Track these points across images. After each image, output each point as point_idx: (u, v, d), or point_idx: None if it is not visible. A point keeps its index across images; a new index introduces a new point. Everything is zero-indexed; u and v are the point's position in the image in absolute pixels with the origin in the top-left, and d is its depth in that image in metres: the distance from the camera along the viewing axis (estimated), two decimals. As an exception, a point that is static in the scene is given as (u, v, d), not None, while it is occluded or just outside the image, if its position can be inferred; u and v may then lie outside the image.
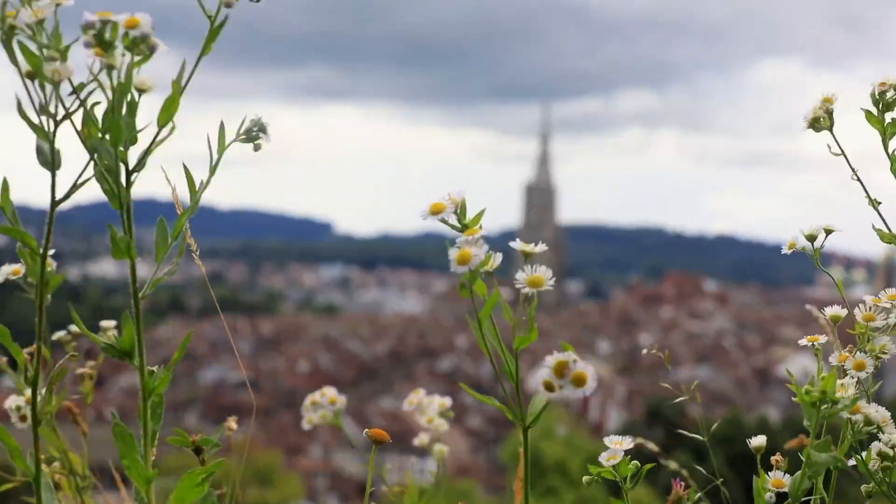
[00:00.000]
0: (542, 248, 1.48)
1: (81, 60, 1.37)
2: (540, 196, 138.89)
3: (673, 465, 2.28)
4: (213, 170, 1.54)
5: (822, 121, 1.80)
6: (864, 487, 1.67)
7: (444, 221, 1.50)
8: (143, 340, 1.48)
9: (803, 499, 1.64)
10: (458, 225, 1.50)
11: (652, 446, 2.38)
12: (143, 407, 1.51)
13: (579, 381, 1.35)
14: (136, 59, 1.37)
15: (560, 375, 1.35)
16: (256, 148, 1.57)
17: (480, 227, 1.48)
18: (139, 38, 1.36)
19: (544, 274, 1.46)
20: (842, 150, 1.80)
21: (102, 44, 1.35)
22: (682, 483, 1.69)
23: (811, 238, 1.80)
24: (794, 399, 1.58)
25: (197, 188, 1.54)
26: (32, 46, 1.35)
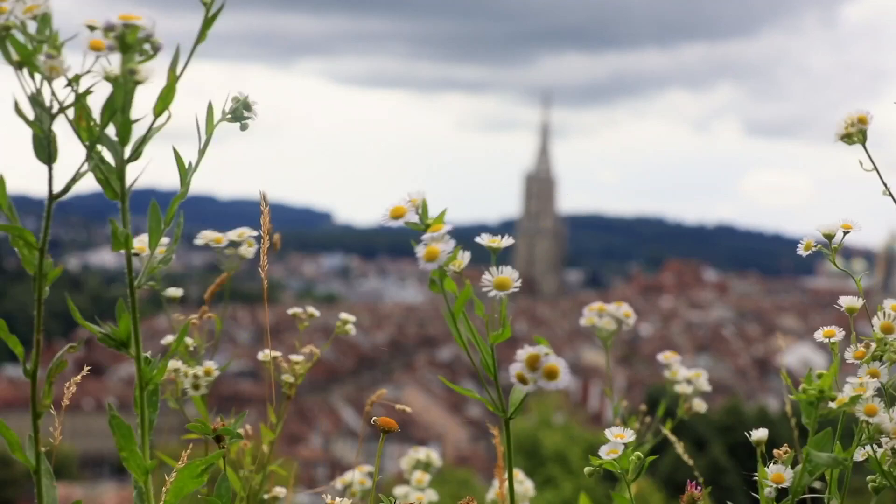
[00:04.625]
0: (508, 241, 1.48)
1: (68, 49, 1.35)
2: (540, 186, 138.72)
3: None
4: (201, 152, 1.52)
5: (854, 136, 1.74)
6: (869, 479, 1.65)
7: (409, 224, 1.46)
8: (139, 330, 1.47)
9: (808, 496, 1.63)
10: (422, 225, 1.46)
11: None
12: (140, 396, 1.50)
13: (551, 375, 1.36)
14: (139, 58, 1.35)
15: (532, 368, 1.36)
16: (243, 127, 1.56)
17: (445, 224, 1.45)
18: (143, 38, 1.35)
19: (510, 275, 1.46)
20: (874, 165, 1.75)
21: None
22: (696, 484, 1.67)
23: (829, 236, 1.76)
24: (791, 396, 1.56)
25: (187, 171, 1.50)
26: (23, 39, 1.33)
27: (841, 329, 1.71)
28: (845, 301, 1.72)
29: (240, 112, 1.55)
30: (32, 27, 1.35)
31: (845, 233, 1.74)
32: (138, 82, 1.36)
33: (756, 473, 1.65)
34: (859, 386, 1.54)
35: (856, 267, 1.79)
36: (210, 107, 1.52)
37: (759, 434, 1.70)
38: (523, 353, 1.38)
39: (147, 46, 1.35)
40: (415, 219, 1.46)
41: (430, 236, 1.43)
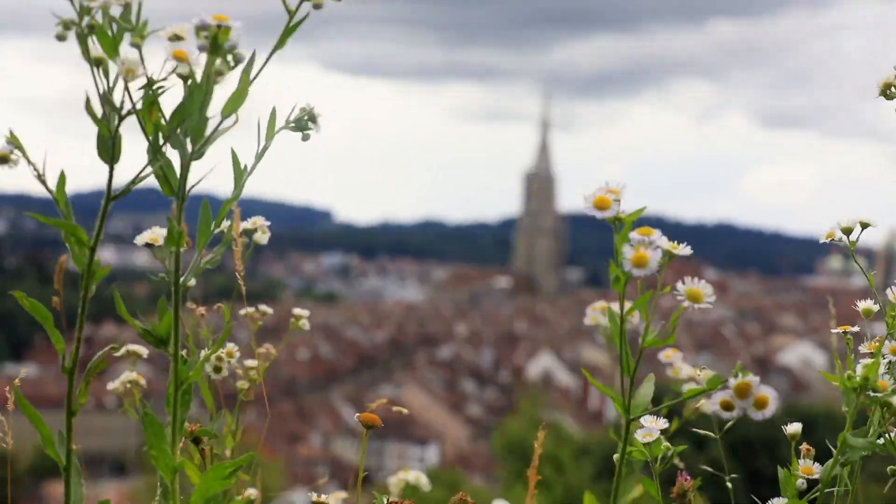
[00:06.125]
0: (687, 250, 1.45)
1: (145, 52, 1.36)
2: (540, 184, 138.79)
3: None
4: (259, 156, 1.51)
5: (894, 88, 1.74)
6: (890, 468, 1.66)
7: (609, 220, 1.45)
8: (179, 329, 1.47)
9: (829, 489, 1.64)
10: (618, 221, 1.45)
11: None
12: (175, 395, 1.50)
13: (761, 405, 1.36)
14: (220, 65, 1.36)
15: (742, 397, 1.36)
16: (305, 138, 1.54)
17: (654, 231, 1.43)
18: (228, 48, 1.35)
19: (704, 289, 1.45)
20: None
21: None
22: (687, 475, 1.68)
23: (847, 231, 1.77)
24: (835, 384, 1.57)
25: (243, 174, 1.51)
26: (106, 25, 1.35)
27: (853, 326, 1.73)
28: (862, 305, 1.74)
29: (304, 123, 1.54)
30: (116, 12, 1.35)
31: (863, 228, 1.76)
32: (212, 94, 1.36)
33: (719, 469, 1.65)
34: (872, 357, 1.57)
35: (855, 266, 1.79)
36: (273, 113, 1.51)
37: (794, 428, 1.71)
38: (734, 381, 1.36)
39: (230, 57, 1.36)
40: (614, 214, 1.44)
41: (640, 239, 1.41)
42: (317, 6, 1.46)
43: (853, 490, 1.67)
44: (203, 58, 1.34)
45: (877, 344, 1.66)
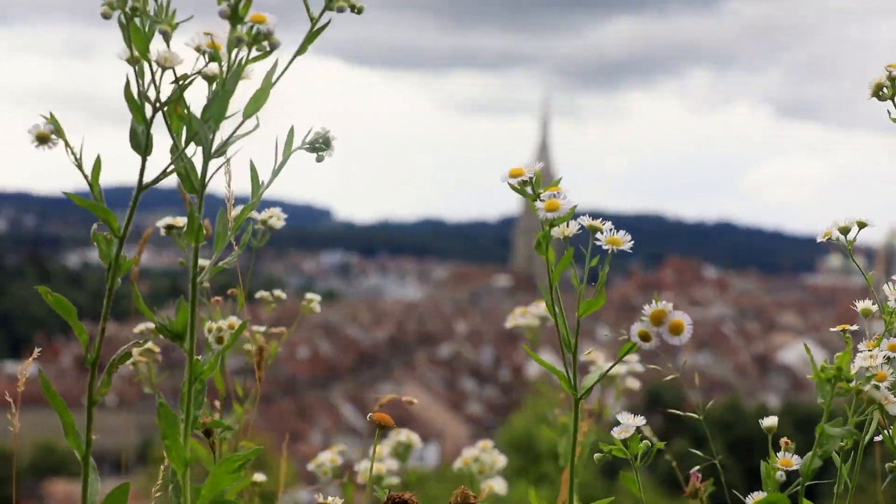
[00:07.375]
0: (609, 225, 1.55)
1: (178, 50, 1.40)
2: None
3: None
4: (276, 172, 1.56)
5: (886, 89, 1.74)
6: (888, 465, 1.67)
7: (518, 188, 1.54)
8: (195, 325, 1.51)
9: (816, 481, 1.65)
10: (533, 193, 1.56)
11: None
12: (188, 391, 1.52)
13: (677, 329, 1.38)
14: (255, 54, 1.41)
15: (657, 324, 1.38)
16: (319, 159, 1.60)
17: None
18: (264, 34, 1.39)
19: (623, 237, 1.52)
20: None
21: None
22: (700, 475, 1.68)
23: (844, 231, 1.79)
24: (809, 377, 1.58)
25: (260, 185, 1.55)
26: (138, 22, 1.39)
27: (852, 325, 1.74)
28: (861, 305, 1.75)
29: (319, 146, 1.59)
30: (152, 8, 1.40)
31: (861, 228, 1.77)
32: (240, 76, 1.39)
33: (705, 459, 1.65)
34: (870, 356, 1.58)
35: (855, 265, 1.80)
36: (291, 131, 1.56)
37: (770, 421, 1.72)
38: (649, 308, 1.40)
39: (266, 43, 1.40)
40: (529, 187, 1.55)
41: (551, 192, 1.52)
42: (349, 8, 1.50)
43: (852, 488, 1.67)
44: (234, 53, 1.38)
45: (875, 341, 1.67)
